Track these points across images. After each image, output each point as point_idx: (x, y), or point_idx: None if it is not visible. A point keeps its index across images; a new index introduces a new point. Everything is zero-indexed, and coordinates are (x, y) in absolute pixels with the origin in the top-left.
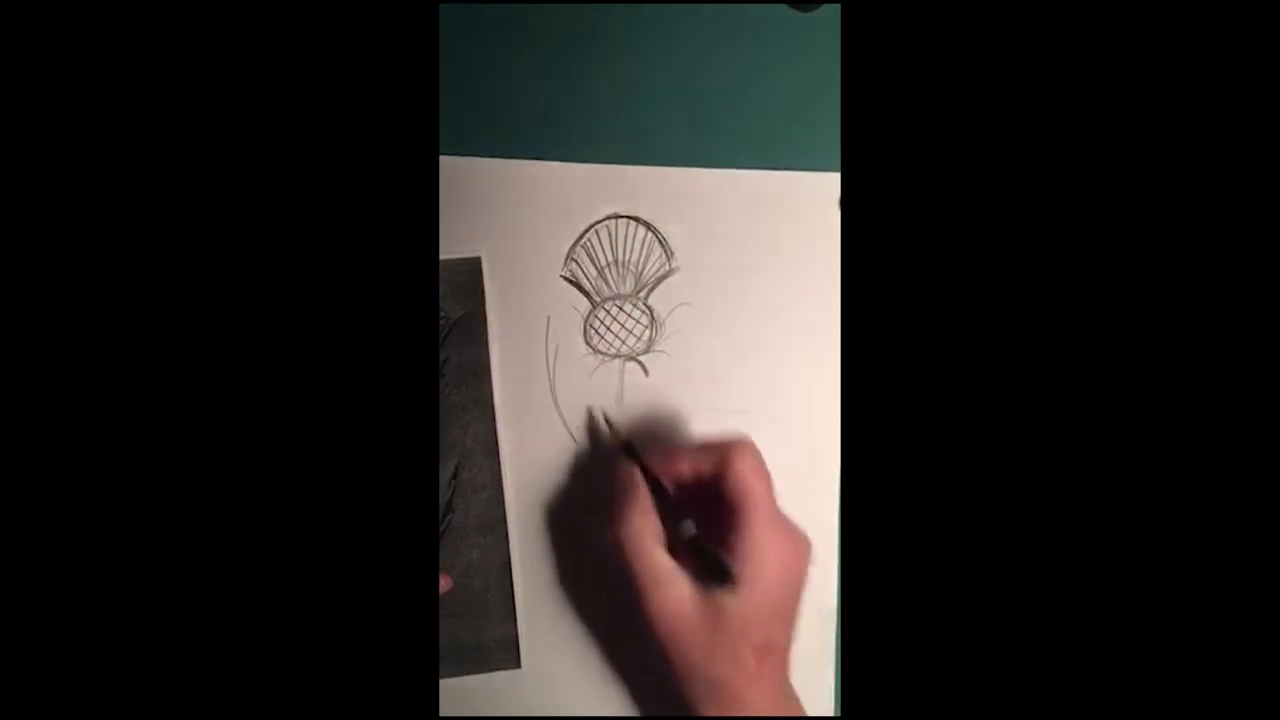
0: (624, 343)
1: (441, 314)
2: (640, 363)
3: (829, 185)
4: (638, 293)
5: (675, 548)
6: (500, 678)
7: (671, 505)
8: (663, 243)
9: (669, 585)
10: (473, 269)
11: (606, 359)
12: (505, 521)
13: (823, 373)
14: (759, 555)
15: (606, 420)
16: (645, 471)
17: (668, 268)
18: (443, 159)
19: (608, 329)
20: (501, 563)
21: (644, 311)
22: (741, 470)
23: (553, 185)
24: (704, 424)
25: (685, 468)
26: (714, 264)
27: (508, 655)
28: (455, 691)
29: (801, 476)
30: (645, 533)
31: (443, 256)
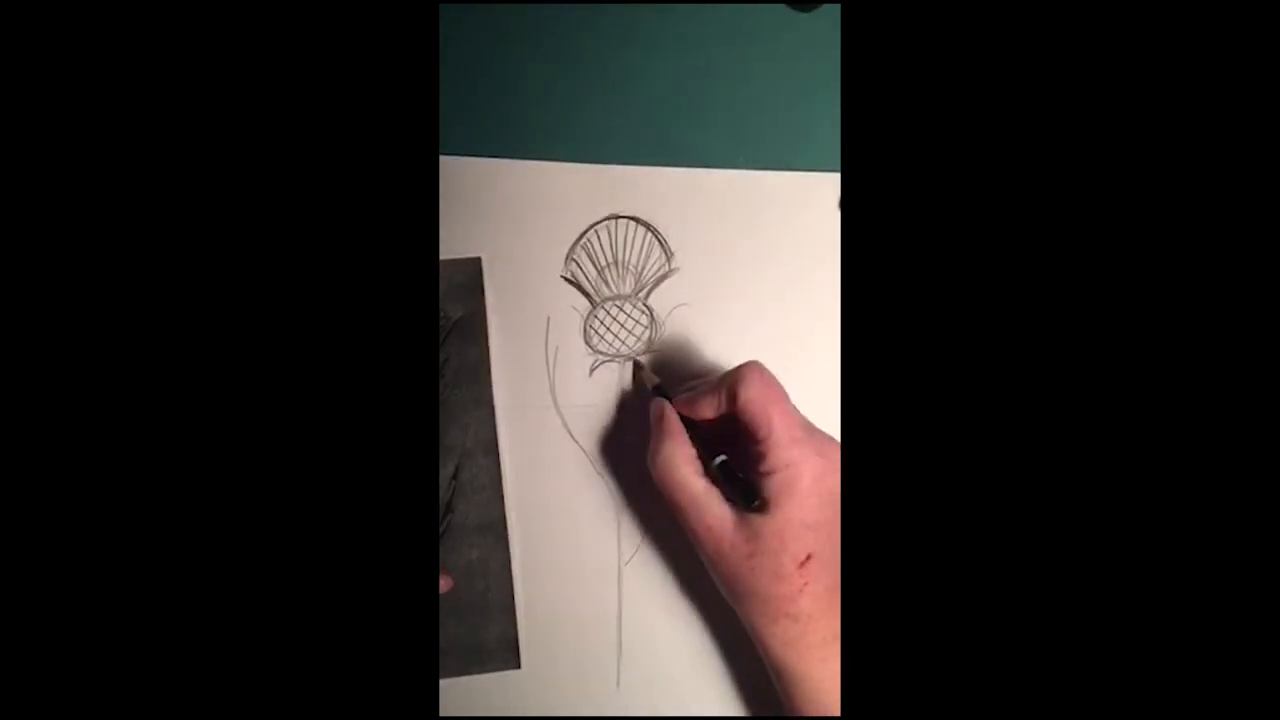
0: (624, 343)
1: (441, 314)
2: (640, 363)
3: (829, 185)
4: (638, 293)
5: (710, 475)
6: (500, 678)
7: (704, 440)
8: (663, 243)
9: (707, 509)
10: (473, 269)
11: (606, 359)
12: (505, 521)
13: (823, 373)
14: (787, 474)
15: (638, 365)
16: (674, 405)
17: (668, 268)
18: (443, 159)
19: (608, 329)
20: (501, 563)
21: (644, 312)
22: (748, 397)
23: (553, 185)
24: None
25: (707, 410)
26: (714, 264)
27: (508, 655)
28: (455, 691)
29: None
30: (681, 459)
31: (443, 257)
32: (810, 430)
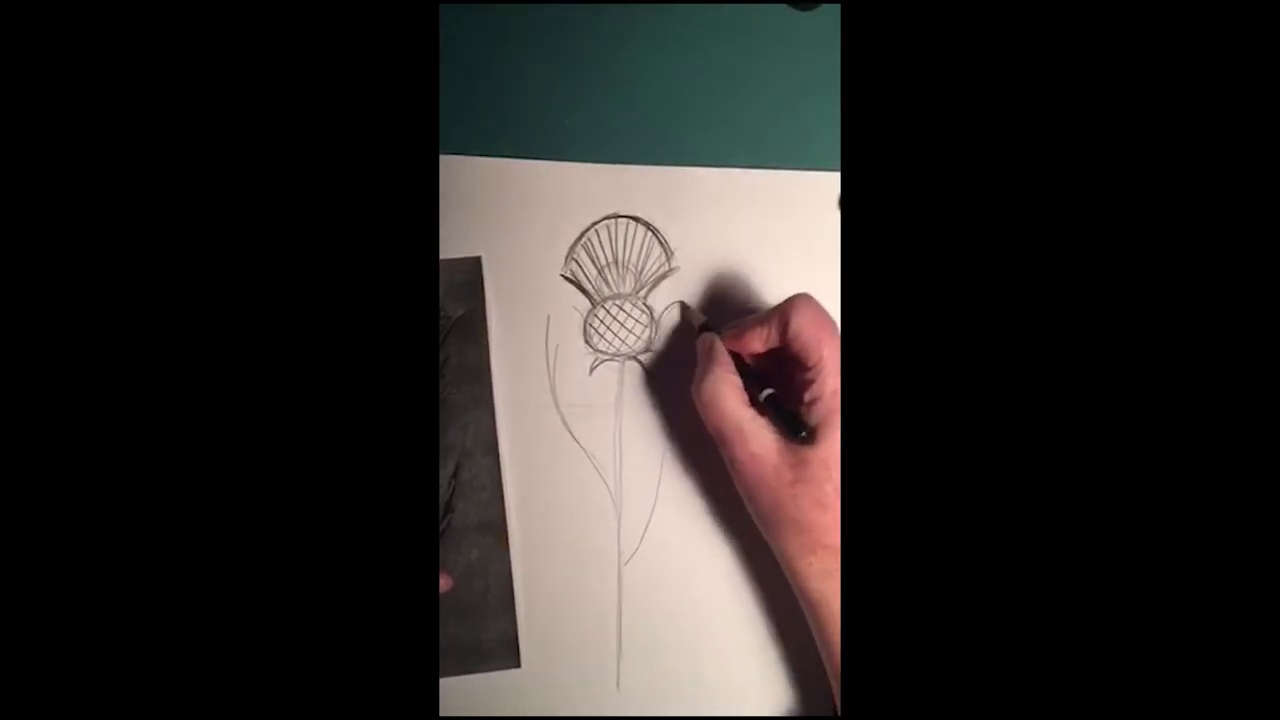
0: (624, 342)
1: (441, 314)
2: (640, 362)
3: (829, 185)
4: (637, 292)
5: (757, 405)
6: (500, 678)
7: (751, 374)
8: (662, 243)
9: (752, 436)
10: (473, 269)
11: (607, 358)
12: (505, 521)
13: None
14: (835, 402)
15: (683, 306)
16: (721, 340)
17: (667, 267)
18: (443, 159)
19: (608, 328)
20: (501, 562)
21: (644, 311)
22: (799, 325)
23: (553, 185)
24: (703, 424)
25: (756, 343)
26: (714, 264)
27: (508, 655)
28: (455, 691)
29: None
30: (728, 388)
31: (443, 256)
32: None
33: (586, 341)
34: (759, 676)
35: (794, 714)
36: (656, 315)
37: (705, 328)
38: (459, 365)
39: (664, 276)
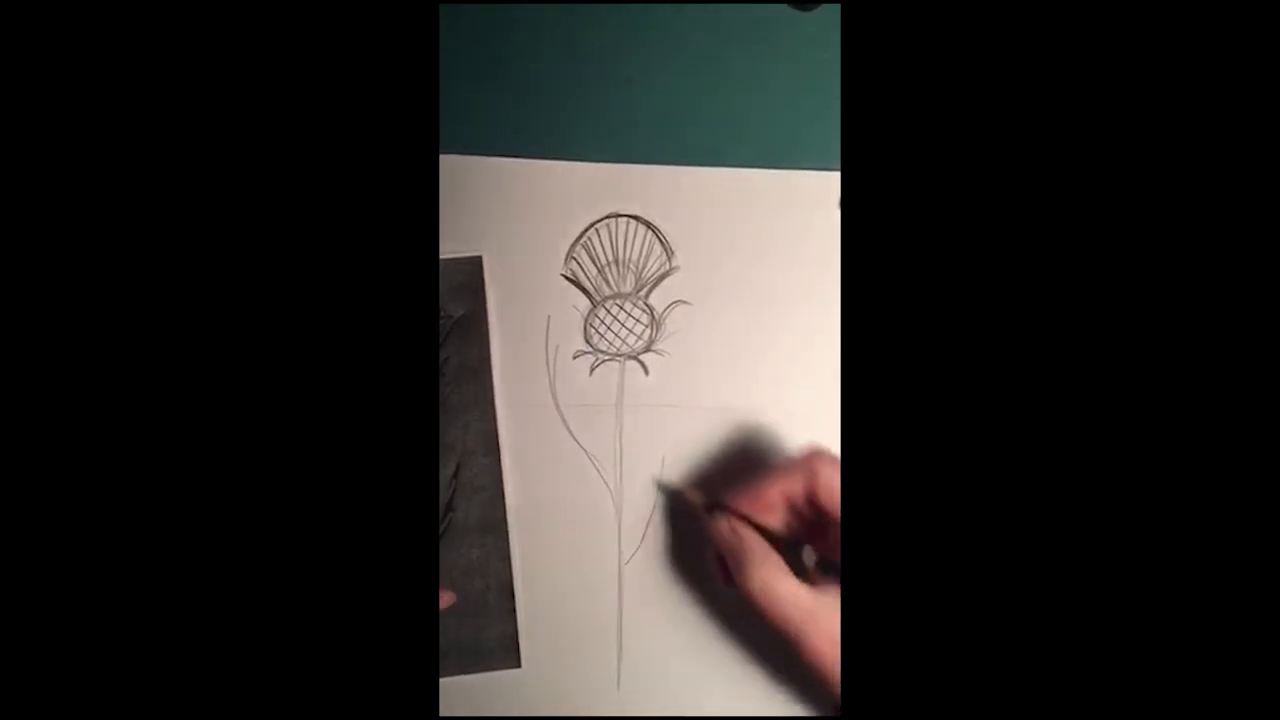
0: (624, 342)
1: (442, 313)
2: (640, 362)
3: (829, 185)
4: (638, 292)
5: (805, 576)
6: (500, 678)
7: (784, 541)
8: (663, 242)
9: (823, 616)
10: (473, 268)
11: (607, 358)
12: (505, 521)
13: (823, 372)
14: None
15: (674, 492)
16: (741, 518)
17: (668, 267)
18: (443, 158)
19: (608, 328)
20: (501, 562)
21: (644, 310)
22: (830, 479)
23: (553, 185)
24: (704, 424)
25: (774, 495)
26: (714, 263)
27: (508, 655)
28: (455, 691)
29: None
30: (777, 573)
31: (443, 256)
32: None
33: (587, 341)
34: (759, 676)
35: (794, 714)
36: (657, 315)
37: (712, 505)
38: (459, 365)
39: (664, 276)
